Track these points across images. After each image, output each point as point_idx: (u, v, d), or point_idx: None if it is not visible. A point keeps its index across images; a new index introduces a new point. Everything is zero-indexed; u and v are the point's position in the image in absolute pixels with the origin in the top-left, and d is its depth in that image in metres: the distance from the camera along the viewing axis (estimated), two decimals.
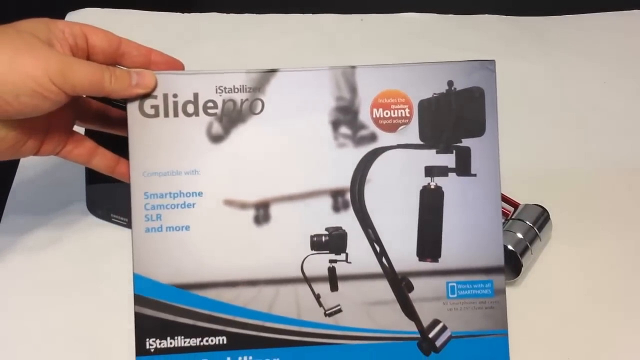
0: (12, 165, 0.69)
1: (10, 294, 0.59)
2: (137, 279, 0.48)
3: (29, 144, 0.50)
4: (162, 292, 0.48)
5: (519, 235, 0.59)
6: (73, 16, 0.83)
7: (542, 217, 0.62)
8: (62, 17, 0.82)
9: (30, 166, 0.69)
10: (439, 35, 0.85)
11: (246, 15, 0.86)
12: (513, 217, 0.62)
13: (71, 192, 0.66)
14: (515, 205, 0.63)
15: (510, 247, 0.58)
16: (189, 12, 0.86)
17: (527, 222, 0.61)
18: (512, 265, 0.58)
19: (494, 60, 0.50)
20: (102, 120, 0.55)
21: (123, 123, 0.55)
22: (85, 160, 0.54)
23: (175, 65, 0.53)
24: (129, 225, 0.63)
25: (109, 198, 0.63)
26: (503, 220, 0.53)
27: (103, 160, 0.54)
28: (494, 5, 0.89)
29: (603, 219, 0.66)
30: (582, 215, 0.66)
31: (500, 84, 0.78)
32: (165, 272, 0.48)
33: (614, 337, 0.57)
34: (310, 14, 0.87)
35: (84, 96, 0.54)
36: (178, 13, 0.86)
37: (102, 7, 0.85)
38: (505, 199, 0.63)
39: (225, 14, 0.86)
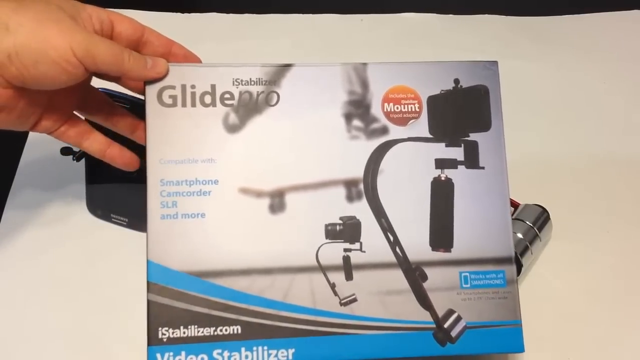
0: (12, 165, 0.69)
1: (10, 294, 0.59)
2: (151, 266, 0.48)
3: (30, 117, 0.51)
4: (176, 279, 0.48)
5: (519, 235, 0.59)
6: None
7: (542, 217, 0.62)
8: None
9: (30, 166, 0.69)
10: (439, 35, 0.85)
11: (246, 15, 0.87)
12: (513, 217, 0.62)
13: (71, 192, 0.66)
14: (515, 205, 0.63)
15: None
16: (189, 12, 0.86)
17: (527, 222, 0.61)
18: None
19: (496, 61, 0.53)
20: (104, 115, 0.55)
21: (123, 121, 0.55)
22: (77, 141, 0.54)
23: (193, 60, 0.53)
24: (129, 225, 0.64)
25: (109, 198, 0.63)
26: None
27: (95, 143, 0.54)
28: (494, 5, 0.89)
29: (603, 219, 0.66)
30: (582, 215, 0.66)
31: (500, 83, 0.78)
32: (180, 260, 0.48)
33: (614, 337, 0.57)
34: (310, 14, 0.87)
35: (92, 84, 0.55)
36: (178, 13, 0.86)
37: (103, 7, 0.84)
38: None
39: (225, 14, 0.87)
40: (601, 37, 0.85)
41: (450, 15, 0.88)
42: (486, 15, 0.88)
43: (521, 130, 0.74)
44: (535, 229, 0.60)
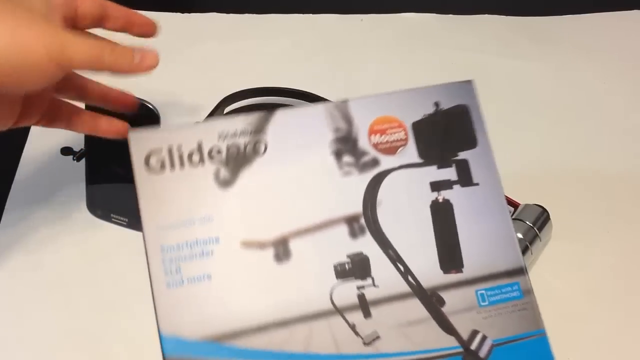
0: (12, 164, 0.69)
1: (10, 294, 0.59)
2: (165, 340, 0.45)
3: (10, 118, 0.51)
4: (192, 349, 0.45)
5: (519, 235, 0.59)
6: None
7: (542, 217, 0.62)
8: None
9: (30, 166, 0.69)
10: (439, 35, 0.85)
11: (246, 15, 0.87)
12: (513, 217, 0.62)
13: (71, 192, 0.66)
14: (515, 205, 0.63)
15: None
16: (189, 12, 0.86)
17: (527, 222, 0.61)
18: None
19: (471, 80, 0.53)
20: (80, 93, 0.55)
21: (100, 96, 0.55)
22: (67, 125, 0.54)
23: (150, 26, 0.54)
24: (129, 225, 0.64)
25: (109, 198, 0.63)
26: None
27: (84, 124, 0.54)
28: (494, 5, 0.89)
29: (603, 219, 0.66)
30: (582, 215, 0.66)
31: (500, 84, 0.78)
32: (193, 327, 0.46)
33: (614, 337, 0.57)
34: (310, 14, 0.87)
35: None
36: (178, 13, 0.86)
37: None
38: (505, 199, 0.63)
39: (225, 14, 0.87)
40: (601, 37, 0.85)
41: (450, 15, 0.88)
42: (486, 15, 0.88)
43: (521, 130, 0.75)
44: (535, 229, 0.60)
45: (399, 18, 0.87)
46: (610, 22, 0.87)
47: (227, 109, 0.72)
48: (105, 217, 0.64)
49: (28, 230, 0.63)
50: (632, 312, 0.59)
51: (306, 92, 0.73)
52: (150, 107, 0.59)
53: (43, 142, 0.71)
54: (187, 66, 0.80)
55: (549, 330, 0.57)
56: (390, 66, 0.81)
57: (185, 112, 0.68)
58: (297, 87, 0.73)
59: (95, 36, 0.50)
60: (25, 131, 0.72)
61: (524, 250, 0.59)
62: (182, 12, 0.86)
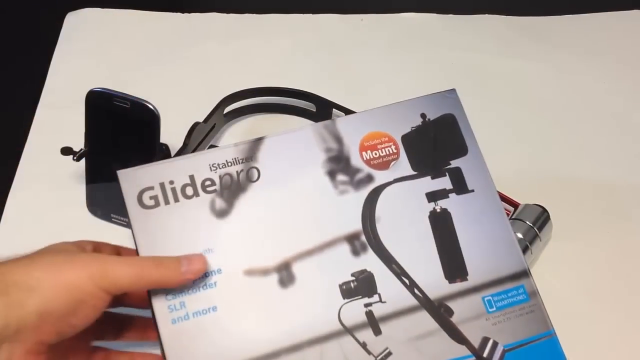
0: (12, 165, 0.69)
1: None
2: None
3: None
4: None
5: (519, 235, 0.59)
6: (73, 16, 0.83)
7: (542, 217, 0.62)
8: (62, 16, 0.82)
9: (30, 166, 0.69)
10: (439, 35, 0.85)
11: (246, 15, 0.86)
12: (513, 217, 0.62)
13: (71, 192, 0.66)
14: (515, 205, 0.63)
15: None
16: (189, 12, 0.86)
17: (527, 222, 0.61)
18: None
19: (454, 89, 0.53)
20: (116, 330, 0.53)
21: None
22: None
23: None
24: (129, 225, 0.63)
25: (109, 198, 0.63)
26: None
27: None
28: (494, 5, 0.89)
29: (603, 219, 0.66)
30: (582, 215, 0.66)
31: (500, 84, 0.78)
32: None
33: (615, 337, 0.58)
34: (310, 14, 0.87)
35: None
36: (178, 13, 0.86)
37: (102, 6, 0.84)
38: (505, 199, 0.63)
39: (225, 14, 0.86)
40: (601, 37, 0.85)
41: (450, 15, 0.88)
42: (486, 15, 0.88)
43: (521, 130, 0.75)
44: (535, 229, 0.60)
45: (399, 18, 0.87)
46: (610, 22, 0.87)
47: (227, 109, 0.72)
48: (105, 217, 0.64)
49: (28, 230, 0.63)
50: (632, 312, 0.59)
51: (306, 92, 0.73)
52: (151, 107, 0.59)
53: (43, 141, 0.71)
54: (187, 66, 0.80)
55: None
56: (390, 66, 0.81)
57: (185, 112, 0.68)
58: (297, 87, 0.73)
59: (137, 256, 0.48)
60: (25, 131, 0.72)
61: (524, 250, 0.59)
62: (182, 12, 0.86)
